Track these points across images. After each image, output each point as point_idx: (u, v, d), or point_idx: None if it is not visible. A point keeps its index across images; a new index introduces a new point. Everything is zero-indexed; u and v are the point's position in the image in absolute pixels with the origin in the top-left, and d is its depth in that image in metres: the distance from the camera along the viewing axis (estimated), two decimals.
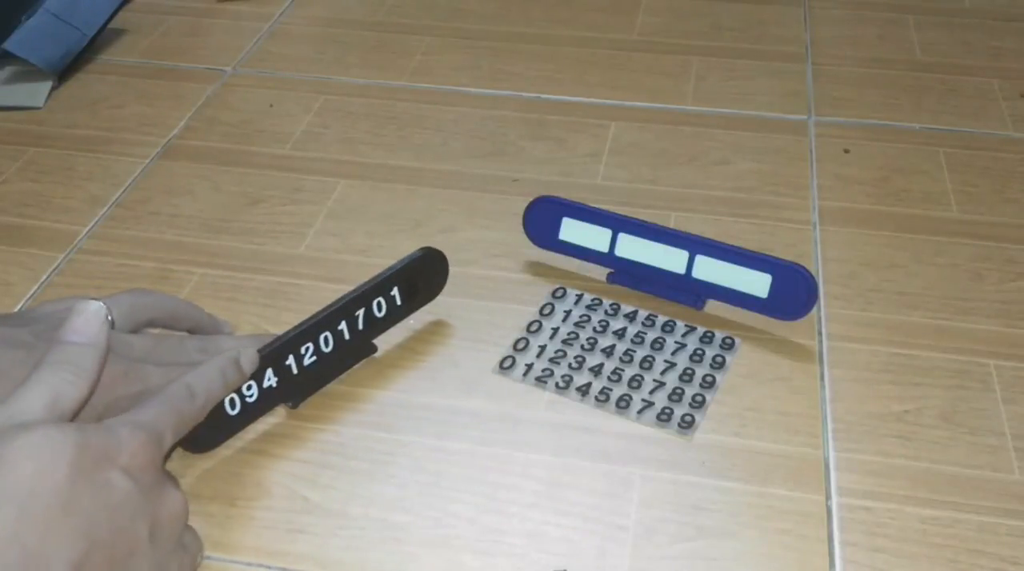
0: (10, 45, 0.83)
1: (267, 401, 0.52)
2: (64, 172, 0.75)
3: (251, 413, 0.52)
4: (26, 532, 0.35)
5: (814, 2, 0.99)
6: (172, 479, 0.43)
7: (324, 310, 0.54)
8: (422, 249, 0.58)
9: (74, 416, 0.41)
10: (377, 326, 0.57)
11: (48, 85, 0.84)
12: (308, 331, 0.53)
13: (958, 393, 0.57)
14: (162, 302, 0.54)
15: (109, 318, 0.49)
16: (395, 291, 0.57)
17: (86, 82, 0.86)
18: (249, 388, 0.51)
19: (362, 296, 0.55)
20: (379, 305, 0.56)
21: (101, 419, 0.44)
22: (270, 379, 0.52)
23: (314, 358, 0.54)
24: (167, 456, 0.45)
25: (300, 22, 0.96)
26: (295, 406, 0.55)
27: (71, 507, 0.37)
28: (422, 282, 0.58)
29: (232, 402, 0.50)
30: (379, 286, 0.56)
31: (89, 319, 0.42)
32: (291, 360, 0.53)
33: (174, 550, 0.42)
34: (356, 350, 0.57)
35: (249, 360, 0.50)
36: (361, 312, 0.55)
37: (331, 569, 0.47)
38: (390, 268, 0.57)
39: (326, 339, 0.54)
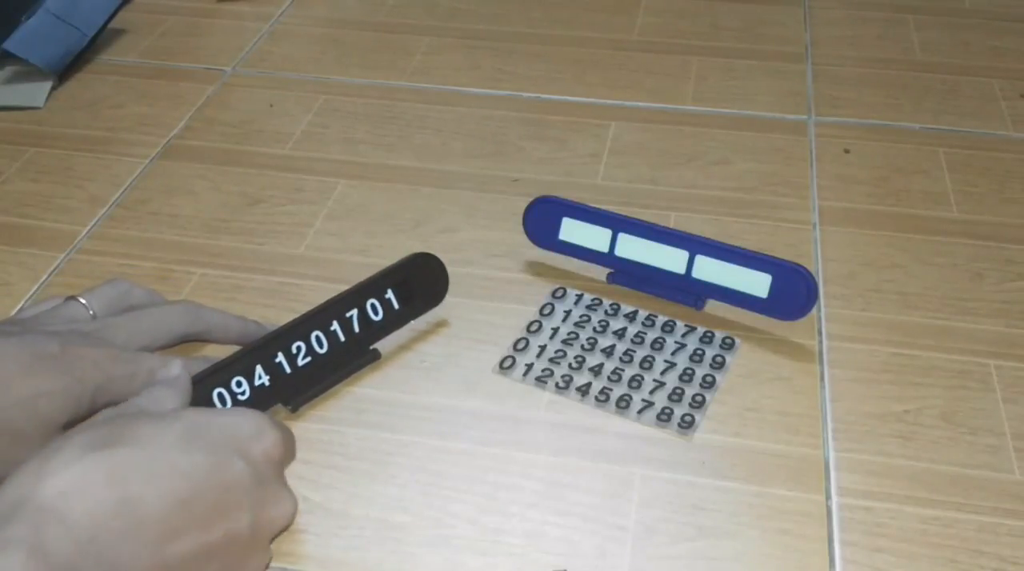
0: (10, 45, 0.83)
1: (261, 401, 0.52)
2: (64, 172, 0.75)
3: None
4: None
5: (814, 2, 0.99)
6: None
7: (313, 309, 0.54)
8: (417, 253, 0.58)
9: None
10: (375, 330, 0.57)
11: (48, 85, 0.84)
12: (295, 329, 0.53)
13: (958, 393, 0.57)
14: (136, 291, 0.55)
15: (91, 313, 0.52)
16: (390, 294, 0.56)
17: (86, 82, 0.86)
18: (240, 385, 0.51)
19: (352, 296, 0.55)
20: (374, 308, 0.56)
21: (94, 399, 0.47)
22: (261, 377, 0.52)
23: (308, 359, 0.53)
24: None
25: (300, 22, 0.96)
26: (294, 409, 0.54)
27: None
28: (418, 286, 0.58)
29: (223, 399, 0.50)
30: (370, 287, 0.56)
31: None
32: (281, 358, 0.52)
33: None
34: (356, 354, 0.56)
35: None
36: (354, 313, 0.55)
37: (332, 569, 0.48)
38: (382, 270, 0.57)
39: (318, 339, 0.54)
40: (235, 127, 0.80)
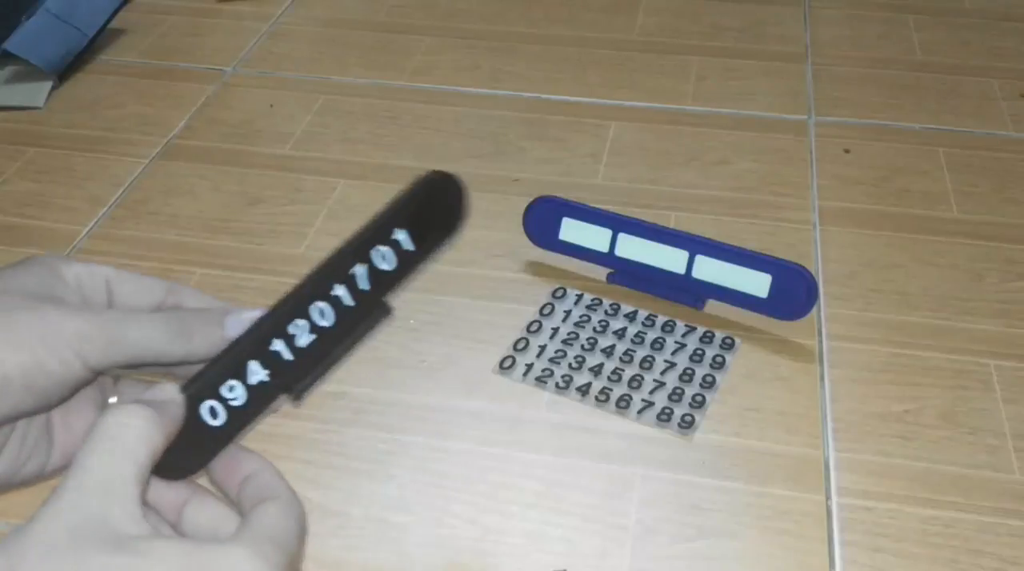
0: (10, 45, 0.83)
1: (261, 400, 0.42)
2: (64, 172, 0.75)
3: (241, 419, 0.41)
4: None
5: (814, 2, 0.99)
6: None
7: (308, 275, 0.42)
8: (427, 174, 0.44)
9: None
10: (387, 283, 0.44)
11: (48, 85, 0.84)
12: (291, 305, 0.42)
13: (958, 393, 0.57)
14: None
15: None
16: (401, 235, 0.44)
17: (86, 82, 0.86)
18: (232, 390, 0.41)
19: (354, 249, 0.43)
20: (384, 256, 0.44)
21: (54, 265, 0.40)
22: (257, 373, 0.41)
23: (312, 337, 0.42)
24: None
25: (300, 22, 0.96)
26: (298, 398, 0.43)
27: None
28: (433, 217, 0.45)
29: (214, 413, 0.40)
30: (375, 232, 0.44)
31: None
32: (279, 345, 0.42)
33: None
34: (365, 316, 0.44)
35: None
36: (362, 269, 0.43)
37: (332, 569, 0.47)
38: (386, 206, 0.44)
39: (322, 311, 0.43)
40: (235, 127, 0.80)
